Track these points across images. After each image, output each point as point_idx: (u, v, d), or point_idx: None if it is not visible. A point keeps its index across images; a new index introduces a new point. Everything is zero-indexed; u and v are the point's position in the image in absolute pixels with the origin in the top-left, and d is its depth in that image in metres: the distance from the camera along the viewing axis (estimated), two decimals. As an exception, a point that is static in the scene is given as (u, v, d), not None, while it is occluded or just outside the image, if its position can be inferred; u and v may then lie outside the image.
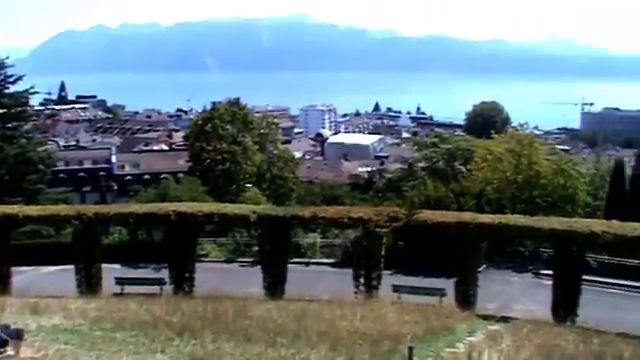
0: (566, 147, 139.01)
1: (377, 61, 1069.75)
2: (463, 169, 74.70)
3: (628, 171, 59.54)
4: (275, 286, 35.29)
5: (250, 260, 46.68)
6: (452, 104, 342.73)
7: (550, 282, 33.09)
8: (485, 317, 29.91)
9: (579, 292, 31.73)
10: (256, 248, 42.75)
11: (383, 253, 35.12)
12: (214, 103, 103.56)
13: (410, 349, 17.38)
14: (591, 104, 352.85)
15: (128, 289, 36.63)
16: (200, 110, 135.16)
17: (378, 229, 34.68)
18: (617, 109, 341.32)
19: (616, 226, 32.55)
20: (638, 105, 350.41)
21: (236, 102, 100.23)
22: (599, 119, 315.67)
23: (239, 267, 47.54)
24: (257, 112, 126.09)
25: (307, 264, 47.48)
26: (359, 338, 20.49)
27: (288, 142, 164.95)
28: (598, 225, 32.83)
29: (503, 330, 24.19)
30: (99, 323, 21.98)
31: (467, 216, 36.05)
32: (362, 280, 34.76)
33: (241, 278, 39.44)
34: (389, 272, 37.61)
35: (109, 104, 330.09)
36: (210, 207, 39.29)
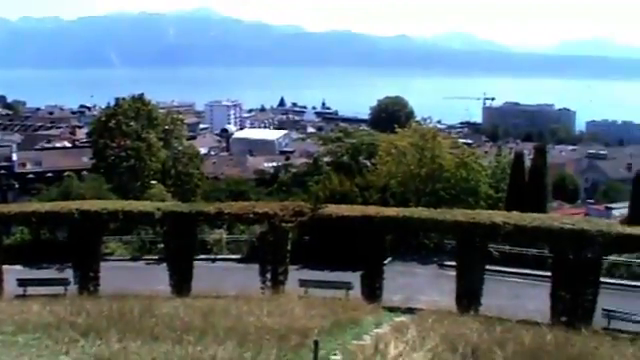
0: (469, 141, 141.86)
1: (283, 56, 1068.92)
2: (368, 163, 75.51)
3: (528, 163, 60.94)
4: (181, 283, 35.00)
5: (156, 258, 46.10)
6: (357, 99, 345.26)
7: (454, 273, 33.66)
8: (391, 309, 30.36)
9: (482, 282, 32.42)
10: (162, 245, 42.29)
11: (289, 248, 35.20)
12: (118, 99, 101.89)
13: (316, 342, 17.46)
14: (492, 99, 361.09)
15: (31, 290, 35.54)
16: (104, 106, 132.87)
17: (284, 224, 34.75)
18: (517, 103, 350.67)
19: (516, 217, 33.43)
20: (537, 99, 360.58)
21: (140, 98, 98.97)
22: (500, 113, 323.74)
23: (145, 265, 46.80)
24: (162, 108, 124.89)
25: (213, 260, 47.15)
26: (266, 333, 20.43)
27: (193, 138, 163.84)
28: (499, 216, 33.61)
29: (409, 321, 24.48)
30: (-1, 327, 21.38)
31: (372, 210, 36.38)
32: (269, 275, 34.75)
33: (147, 276, 38.94)
34: (296, 267, 37.68)
35: (9, 100, 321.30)
36: (114, 205, 38.70)
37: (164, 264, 36.95)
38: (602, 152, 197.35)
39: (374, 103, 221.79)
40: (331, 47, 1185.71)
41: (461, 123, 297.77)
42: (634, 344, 23.39)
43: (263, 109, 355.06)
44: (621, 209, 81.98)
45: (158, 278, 35.65)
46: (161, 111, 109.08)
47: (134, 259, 48.63)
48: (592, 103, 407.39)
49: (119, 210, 36.72)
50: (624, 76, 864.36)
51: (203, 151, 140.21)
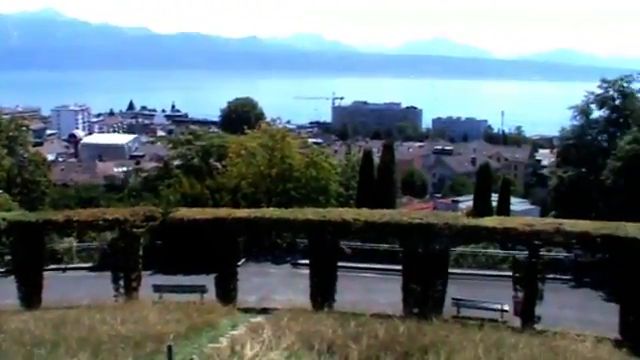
0: (318, 140, 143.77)
1: (131, 59, 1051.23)
2: (218, 165, 75.17)
3: (376, 160, 62.12)
4: (31, 296, 33.65)
5: (3, 270, 44.24)
6: (207, 101, 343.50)
7: (308, 271, 33.90)
8: (247, 310, 30.34)
9: (335, 278, 32.77)
10: (9, 257, 40.60)
11: (141, 253, 34.52)
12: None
13: (169, 348, 17.27)
14: (341, 98, 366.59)
15: None
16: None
17: (135, 230, 34.06)
18: (365, 102, 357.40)
19: (366, 213, 33.96)
20: (385, 98, 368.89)
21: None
22: (349, 112, 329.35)
23: (-10, 279, 44.92)
24: (5, 114, 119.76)
25: (64, 270, 45.67)
26: (121, 342, 20.06)
27: (40, 144, 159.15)
28: (349, 213, 34.04)
29: (264, 321, 24.50)
30: None
31: (223, 212, 36.19)
32: (122, 282, 33.93)
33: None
34: (149, 272, 37.13)
35: None
36: (-46, 217, 36.91)
37: (12, 276, 35.46)
38: (448, 148, 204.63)
39: (224, 105, 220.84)
40: (180, 49, 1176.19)
41: (311, 123, 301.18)
42: (482, 330, 24.20)
43: (112, 113, 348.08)
44: (467, 202, 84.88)
45: (6, 291, 34.16)
46: (4, 117, 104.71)
47: (-22, 273, 46.51)
48: (437, 101, 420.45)
49: (-40, 222, 35.04)
50: (465, 74, 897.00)
51: (50, 157, 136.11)
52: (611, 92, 54.30)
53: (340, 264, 33.74)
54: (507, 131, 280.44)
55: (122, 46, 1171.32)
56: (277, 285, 39.64)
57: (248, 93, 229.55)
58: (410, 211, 46.15)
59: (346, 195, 64.26)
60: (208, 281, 34.32)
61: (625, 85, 54.35)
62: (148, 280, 35.48)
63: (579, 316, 30.65)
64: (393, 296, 31.55)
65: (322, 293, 32.25)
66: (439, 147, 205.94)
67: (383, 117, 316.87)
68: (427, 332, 22.53)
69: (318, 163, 60.85)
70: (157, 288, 34.92)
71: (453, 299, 32.93)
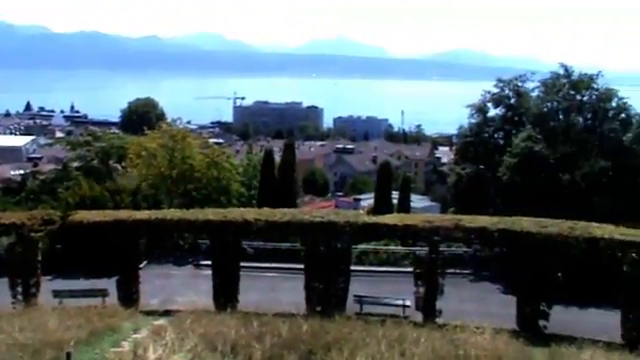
0: (220, 140, 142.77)
1: (27, 58, 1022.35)
2: (118, 167, 74.09)
3: (278, 160, 62.27)
4: None
5: None
6: (107, 101, 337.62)
7: (210, 272, 33.75)
8: (149, 313, 29.92)
9: (238, 279, 32.71)
10: None
11: (40, 258, 33.69)
12: None
13: (68, 355, 16.95)
14: (243, 98, 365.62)
15: None
16: None
17: (33, 234, 33.20)
18: (267, 102, 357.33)
19: (267, 213, 34.01)
20: (286, 97, 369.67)
21: None
22: (250, 112, 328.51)
23: None
24: None
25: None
26: (19, 350, 19.49)
27: None
28: (251, 213, 34.04)
29: (167, 324, 24.23)
30: None
31: (123, 214, 35.70)
32: (19, 289, 32.97)
33: None
34: (49, 277, 36.28)
35: None
36: None
37: None
38: (349, 146, 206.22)
39: (125, 105, 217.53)
40: (79, 48, 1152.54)
41: (212, 123, 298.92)
42: (384, 325, 24.52)
43: (8, 114, 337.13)
44: (368, 200, 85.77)
45: None
46: None
47: None
48: (339, 100, 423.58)
49: None
50: (368, 74, 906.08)
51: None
52: (506, 91, 55.59)
53: (242, 264, 33.70)
54: (407, 130, 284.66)
55: (16, 44, 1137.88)
56: (180, 287, 39.20)
57: (149, 93, 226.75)
58: (311, 210, 46.38)
59: (248, 195, 64.19)
60: (110, 284, 33.76)
61: (520, 84, 55.74)
62: (48, 285, 34.57)
63: (478, 309, 31.33)
64: (296, 295, 31.67)
65: (225, 294, 32.14)
66: (340, 146, 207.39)
67: (285, 117, 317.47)
68: (330, 330, 22.68)
69: (219, 163, 60.68)
70: (57, 293, 34.04)
71: (355, 296, 33.25)
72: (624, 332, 29.55)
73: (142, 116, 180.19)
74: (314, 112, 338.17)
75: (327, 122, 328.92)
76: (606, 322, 30.62)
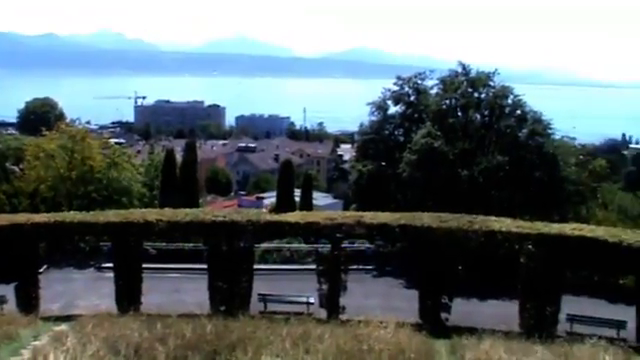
0: (121, 140, 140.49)
1: None
2: (16, 169, 72.12)
3: (180, 159, 61.82)
4: None
5: None
6: (3, 101, 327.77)
7: (112, 274, 33.29)
8: (50, 319, 29.27)
9: (141, 280, 32.37)
10: None
11: None
12: None
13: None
14: (143, 97, 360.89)
15: None
16: None
17: None
18: (168, 101, 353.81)
19: (169, 213, 33.66)
20: (188, 97, 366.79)
21: None
22: (152, 111, 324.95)
23: None
24: None
25: None
26: None
27: None
28: (152, 214, 33.61)
29: (68, 329, 23.78)
30: None
31: (21, 217, 34.75)
32: None
33: None
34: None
35: None
36: None
37: None
38: (251, 145, 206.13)
39: (22, 105, 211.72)
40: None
41: (113, 123, 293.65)
42: (288, 323, 24.61)
43: None
44: (271, 198, 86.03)
45: None
46: None
47: None
48: (241, 99, 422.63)
49: None
50: (270, 72, 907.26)
51: None
52: (406, 89, 56.49)
53: (145, 266, 33.36)
54: (310, 128, 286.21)
55: None
56: (81, 291, 38.57)
57: (47, 93, 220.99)
58: (213, 209, 46.20)
59: (150, 196, 63.47)
60: (8, 291, 32.94)
61: (419, 82, 56.68)
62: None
63: (382, 304, 31.80)
64: (200, 295, 31.58)
65: (128, 296, 31.74)
66: (243, 145, 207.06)
67: (186, 116, 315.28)
68: (234, 329, 22.64)
69: (120, 164, 59.89)
70: (-52, 304, 33.10)
71: (259, 295, 33.30)
72: (522, 321, 30.53)
73: (40, 116, 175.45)
74: (216, 111, 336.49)
75: (229, 121, 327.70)
76: (505, 312, 31.53)
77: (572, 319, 31.67)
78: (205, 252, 34.00)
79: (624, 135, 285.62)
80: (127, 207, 50.68)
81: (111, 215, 34.05)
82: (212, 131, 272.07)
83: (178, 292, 35.49)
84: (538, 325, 29.13)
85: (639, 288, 30.95)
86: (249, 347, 19.96)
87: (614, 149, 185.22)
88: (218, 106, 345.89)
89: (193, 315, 26.56)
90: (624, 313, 31.51)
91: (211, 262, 32.37)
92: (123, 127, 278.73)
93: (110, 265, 35.36)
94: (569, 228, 32.20)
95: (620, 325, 31.11)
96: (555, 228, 32.30)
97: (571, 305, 31.83)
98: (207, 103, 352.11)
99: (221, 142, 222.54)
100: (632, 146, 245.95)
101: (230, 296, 31.35)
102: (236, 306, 30.23)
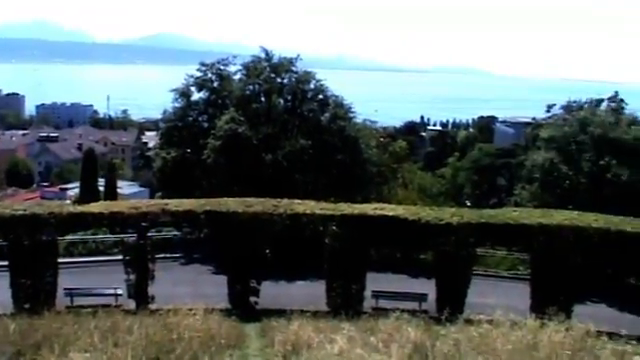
0: None
1: None
2: None
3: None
4: None
5: None
6: None
7: None
8: None
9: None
10: None
11: None
12: None
13: None
14: None
15: None
16: None
17: None
18: None
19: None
20: None
21: None
22: None
23: None
24: None
25: None
26: None
27: None
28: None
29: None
30: None
31: None
32: None
33: None
34: None
35: None
36: None
37: None
38: (53, 135, 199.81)
39: None
40: None
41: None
42: (96, 317, 24.34)
43: None
44: (75, 189, 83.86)
45: None
46: None
47: None
48: (41, 87, 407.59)
49: None
50: (70, 59, 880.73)
51: None
52: (209, 75, 56.45)
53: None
54: (113, 115, 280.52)
55: None
56: None
57: None
58: (13, 203, 44.55)
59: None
60: None
61: (222, 68, 56.79)
62: None
63: (191, 291, 31.73)
64: (2, 294, 30.42)
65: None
66: (44, 134, 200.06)
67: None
68: (40, 327, 22.20)
69: None
70: None
71: (65, 289, 32.35)
72: (329, 300, 31.56)
73: None
74: (14, 100, 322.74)
75: (29, 110, 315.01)
76: (313, 292, 32.39)
77: (377, 295, 32.80)
78: (5, 248, 32.77)
79: (422, 117, 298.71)
80: None
81: None
82: (11, 121, 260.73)
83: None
84: (345, 303, 30.29)
85: (437, 262, 32.76)
86: (56, 344, 19.69)
87: (413, 131, 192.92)
88: (17, 94, 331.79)
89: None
90: (425, 286, 33.09)
91: (12, 258, 31.20)
92: None
93: None
94: (371, 208, 33.63)
95: (422, 298, 32.65)
96: (358, 208, 33.58)
97: (376, 282, 33.10)
98: (4, 92, 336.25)
99: (21, 132, 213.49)
100: (430, 127, 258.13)
101: (34, 293, 30.30)
102: (41, 303, 29.30)
